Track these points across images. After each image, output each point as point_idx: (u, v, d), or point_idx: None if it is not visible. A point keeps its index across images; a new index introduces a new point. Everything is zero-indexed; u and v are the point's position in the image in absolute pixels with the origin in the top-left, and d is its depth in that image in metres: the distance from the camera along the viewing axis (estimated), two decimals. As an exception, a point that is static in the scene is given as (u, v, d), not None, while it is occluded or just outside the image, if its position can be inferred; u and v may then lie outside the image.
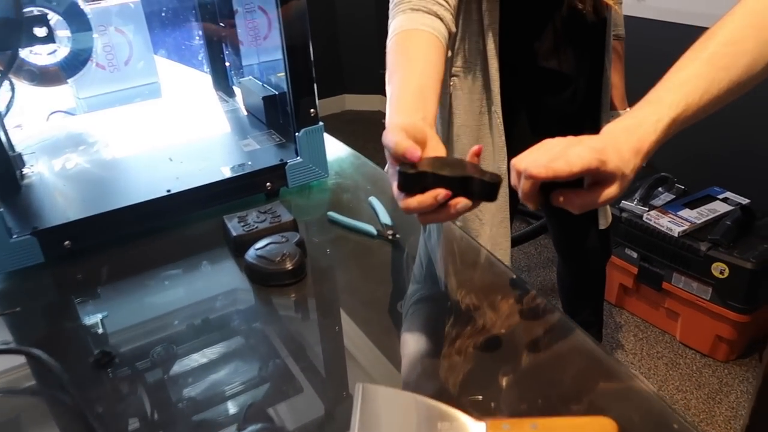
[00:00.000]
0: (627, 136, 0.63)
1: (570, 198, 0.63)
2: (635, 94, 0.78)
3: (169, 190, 0.96)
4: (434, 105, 0.75)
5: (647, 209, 1.88)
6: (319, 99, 1.01)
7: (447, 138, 1.14)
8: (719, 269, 1.69)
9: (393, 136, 0.62)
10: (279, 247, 0.85)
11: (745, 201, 1.87)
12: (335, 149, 1.25)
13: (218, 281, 0.86)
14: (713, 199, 1.90)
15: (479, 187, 0.61)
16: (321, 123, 1.04)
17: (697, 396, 1.70)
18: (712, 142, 2.06)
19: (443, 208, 0.62)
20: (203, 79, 1.51)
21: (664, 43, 1.94)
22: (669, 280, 1.82)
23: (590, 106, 1.19)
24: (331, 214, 0.98)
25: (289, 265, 0.82)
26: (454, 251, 0.91)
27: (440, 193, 0.60)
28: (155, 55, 1.85)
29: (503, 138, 1.09)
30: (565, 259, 1.51)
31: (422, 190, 0.61)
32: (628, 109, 1.38)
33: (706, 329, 1.79)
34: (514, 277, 0.84)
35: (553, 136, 1.16)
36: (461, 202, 0.61)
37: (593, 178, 0.62)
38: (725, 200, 1.88)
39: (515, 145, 1.12)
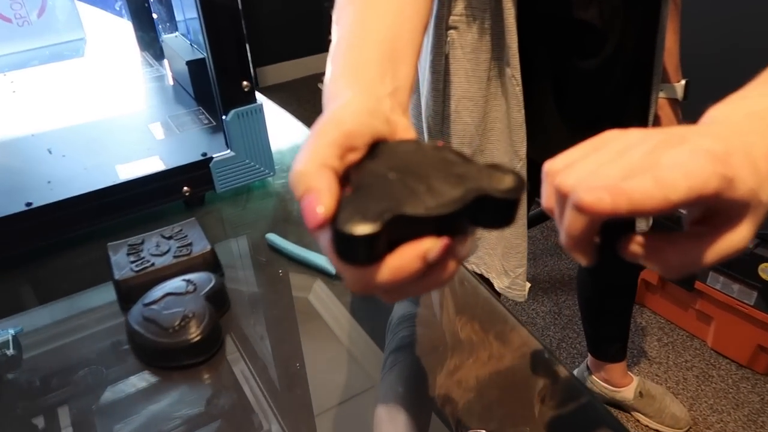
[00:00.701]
0: (762, 131, 0.33)
1: (659, 250, 0.33)
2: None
3: (29, 204, 0.65)
4: (409, 71, 0.43)
5: (679, 194, 1.58)
6: (296, 58, 0.68)
7: (441, 117, 0.82)
8: (768, 270, 1.40)
9: (302, 167, 0.31)
10: (179, 302, 0.54)
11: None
12: (290, 133, 0.93)
13: (87, 351, 0.56)
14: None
15: (487, 209, 0.30)
16: (259, 102, 0.72)
17: (735, 418, 1.44)
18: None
19: (434, 269, 0.31)
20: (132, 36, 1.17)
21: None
22: (704, 279, 1.53)
23: (637, 75, 0.87)
24: (272, 237, 0.67)
25: (192, 335, 0.52)
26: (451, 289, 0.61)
27: (431, 248, 0.29)
28: (86, 4, 1.50)
29: (522, 112, 0.77)
30: (589, 268, 1.22)
31: (389, 246, 0.30)
32: (682, 81, 1.05)
33: (746, 337, 1.52)
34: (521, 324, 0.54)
35: (584, 115, 0.86)
36: (461, 245, 0.31)
37: (705, 211, 0.32)
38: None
39: (532, 129, 0.80)
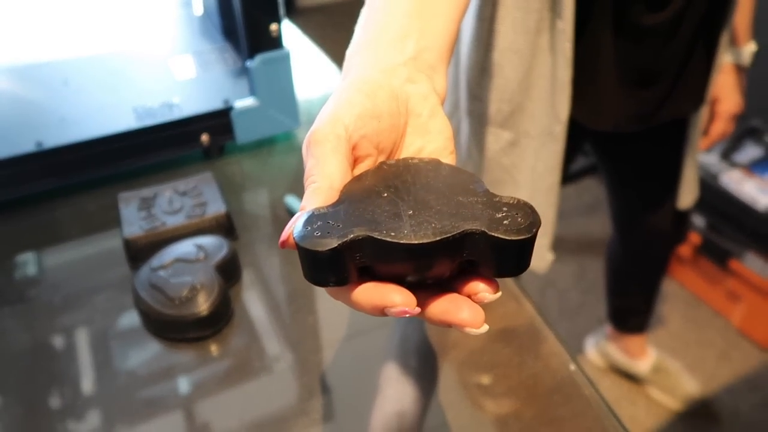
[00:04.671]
0: None
1: None
2: None
3: (39, 144, 0.61)
4: (444, 25, 0.38)
5: (728, 167, 1.49)
6: None
7: (480, 69, 0.75)
8: (812, 258, 1.33)
9: (316, 152, 0.29)
10: (188, 270, 0.51)
11: None
12: (321, 78, 0.87)
13: (94, 309, 0.54)
14: (813, 159, 1.49)
15: (486, 250, 0.26)
16: (286, 49, 0.66)
17: (749, 401, 1.42)
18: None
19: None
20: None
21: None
22: (740, 258, 1.47)
23: (703, 33, 0.78)
24: (291, 201, 0.63)
25: (199, 309, 0.49)
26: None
27: (393, 303, 0.26)
28: None
29: (570, 70, 0.70)
30: (623, 236, 1.16)
31: (364, 269, 0.27)
32: (752, 44, 0.95)
33: (774, 321, 1.47)
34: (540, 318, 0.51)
35: (641, 75, 0.78)
36: (453, 304, 0.27)
37: None
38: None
39: (581, 87, 0.73)
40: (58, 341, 0.51)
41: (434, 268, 0.26)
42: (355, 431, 0.45)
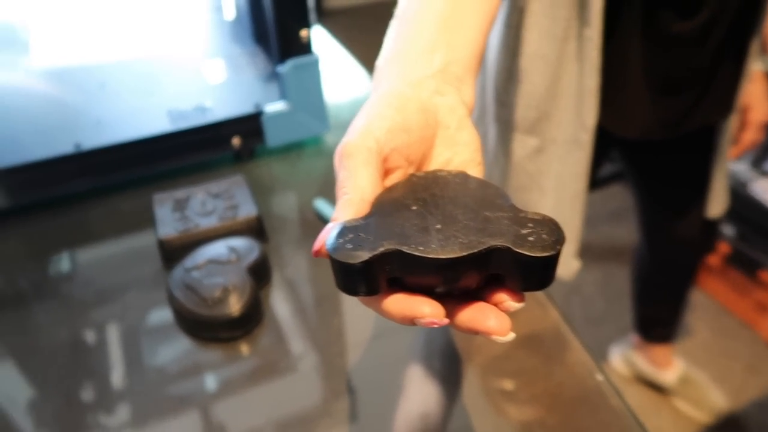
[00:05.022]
0: None
1: None
2: None
3: (78, 145, 0.63)
4: (472, 36, 0.39)
5: (758, 175, 1.46)
6: None
7: (508, 75, 0.76)
8: None
9: (348, 164, 0.30)
10: (220, 271, 0.53)
11: None
12: (350, 82, 0.88)
13: (128, 305, 0.55)
14: None
15: (511, 266, 0.27)
16: (316, 54, 0.67)
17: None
18: None
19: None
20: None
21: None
22: (770, 269, 1.44)
23: (734, 41, 0.77)
24: (320, 205, 0.64)
25: (231, 309, 0.50)
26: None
27: (422, 313, 0.27)
28: None
29: (597, 78, 0.70)
30: (650, 244, 1.14)
31: (395, 281, 0.28)
32: (782, 54, 0.94)
33: (805, 334, 1.44)
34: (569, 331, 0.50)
35: (669, 82, 0.77)
36: (480, 313, 0.27)
37: None
38: None
39: (608, 95, 0.73)
40: (93, 337, 0.53)
41: (461, 281, 0.27)
42: (381, 433, 0.45)
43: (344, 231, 0.27)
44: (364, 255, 0.26)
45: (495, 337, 0.26)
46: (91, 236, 0.63)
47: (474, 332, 0.27)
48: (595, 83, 0.70)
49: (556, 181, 0.78)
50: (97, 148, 0.62)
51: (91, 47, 0.81)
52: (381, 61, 0.38)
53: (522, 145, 0.78)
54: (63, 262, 0.60)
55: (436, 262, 0.26)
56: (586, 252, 1.80)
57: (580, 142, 0.74)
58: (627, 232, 1.86)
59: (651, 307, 1.29)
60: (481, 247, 0.26)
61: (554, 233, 0.27)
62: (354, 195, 0.29)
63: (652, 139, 0.85)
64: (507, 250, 0.26)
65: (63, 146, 0.62)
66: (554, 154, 0.77)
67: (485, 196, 0.30)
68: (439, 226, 0.28)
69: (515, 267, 0.26)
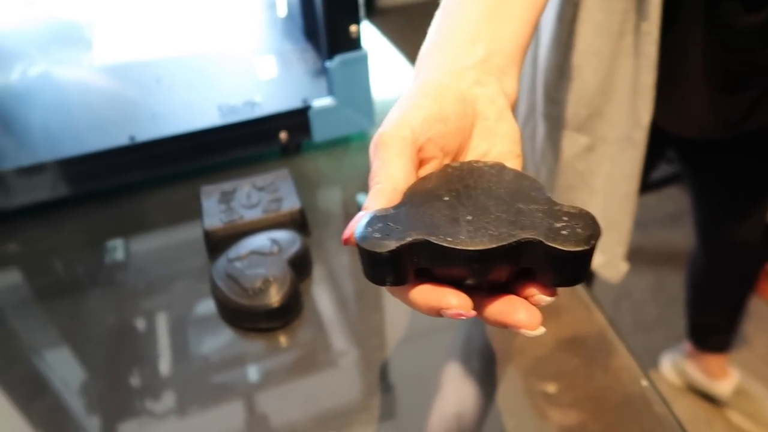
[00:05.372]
0: None
1: None
2: None
3: (132, 138, 0.65)
4: (516, 28, 0.38)
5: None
6: None
7: (559, 71, 0.74)
8: None
9: (382, 154, 0.30)
10: (262, 262, 0.54)
11: None
12: (397, 78, 0.88)
13: (175, 295, 0.57)
14: None
15: (543, 260, 0.26)
16: (365, 50, 0.67)
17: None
18: None
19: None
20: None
21: None
22: (839, 279, 1.36)
23: None
24: (364, 198, 0.64)
25: (271, 300, 0.51)
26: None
27: (448, 304, 0.26)
28: None
29: (654, 74, 0.67)
30: (707, 249, 1.10)
31: (423, 271, 0.28)
32: None
33: None
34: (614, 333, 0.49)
35: (732, 79, 0.73)
36: (510, 305, 0.27)
37: None
38: None
39: (665, 91, 0.70)
40: (140, 323, 0.55)
41: (490, 274, 0.26)
42: (415, 429, 0.45)
43: (373, 220, 0.27)
44: (391, 244, 0.26)
45: (524, 331, 0.26)
46: (142, 226, 0.65)
47: (503, 325, 0.26)
48: (651, 79, 0.68)
49: (607, 181, 0.76)
50: (150, 141, 0.64)
51: (148, 43, 0.84)
52: (423, 51, 0.38)
53: (572, 143, 0.76)
54: (116, 251, 0.62)
55: (464, 254, 0.25)
56: (638, 256, 1.75)
57: (633, 140, 0.72)
58: (682, 237, 1.79)
59: (706, 314, 1.24)
60: (512, 240, 0.25)
61: (590, 227, 0.26)
62: (386, 184, 0.29)
63: (711, 138, 0.82)
64: (539, 244, 0.25)
65: (119, 138, 0.65)
66: (605, 153, 0.74)
67: (520, 188, 0.29)
68: (470, 218, 0.27)
69: (547, 261, 0.26)
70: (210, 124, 0.67)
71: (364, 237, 0.27)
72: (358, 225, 0.27)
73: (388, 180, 0.29)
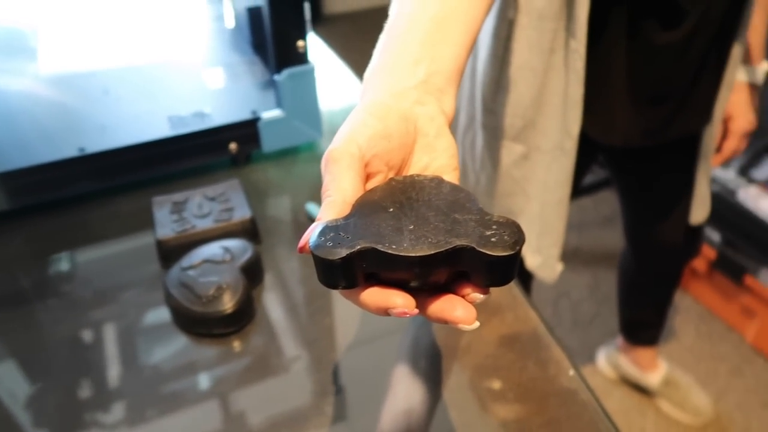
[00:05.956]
0: None
1: None
2: None
3: (82, 149, 0.66)
4: (454, 51, 0.42)
5: (746, 183, 1.49)
6: None
7: (496, 85, 0.79)
8: (827, 276, 1.33)
9: (332, 169, 0.33)
10: (215, 270, 0.56)
11: None
12: (344, 89, 0.91)
13: (128, 304, 0.58)
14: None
15: (476, 264, 0.29)
16: (312, 64, 0.70)
17: (761, 418, 1.42)
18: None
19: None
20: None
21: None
22: (755, 274, 1.47)
23: (715, 52, 0.80)
24: (312, 207, 0.67)
25: (225, 306, 0.53)
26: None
27: (395, 304, 0.30)
28: None
29: (582, 88, 0.73)
30: (635, 249, 1.18)
31: (371, 276, 0.31)
32: (765, 63, 0.97)
33: (789, 338, 1.47)
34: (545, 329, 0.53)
35: (653, 92, 0.80)
36: (449, 303, 0.31)
37: None
38: None
39: (593, 104, 0.76)
40: (92, 334, 0.55)
41: (431, 277, 0.30)
42: (367, 429, 0.48)
43: (326, 230, 0.30)
44: (342, 252, 0.29)
45: (461, 326, 0.29)
46: (92, 237, 0.66)
47: (444, 321, 0.30)
48: (579, 93, 0.73)
49: (541, 188, 0.81)
50: (101, 152, 0.65)
51: (95, 54, 0.84)
52: (368, 73, 0.41)
53: (508, 152, 0.81)
54: (65, 262, 0.63)
55: (407, 260, 0.29)
56: (576, 256, 1.84)
57: (564, 149, 0.77)
58: (617, 237, 1.89)
59: (636, 310, 1.32)
60: (448, 246, 0.29)
61: (515, 235, 0.29)
62: (337, 197, 0.32)
63: (634, 146, 0.88)
64: (471, 250, 0.29)
65: (67, 150, 0.65)
66: (539, 161, 0.80)
67: (456, 200, 0.33)
68: (411, 227, 0.30)
69: (479, 264, 0.29)
70: (160, 135, 0.68)
71: (318, 246, 0.29)
72: (311, 235, 0.30)
73: (338, 193, 0.32)
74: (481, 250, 0.29)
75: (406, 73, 0.39)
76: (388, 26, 0.43)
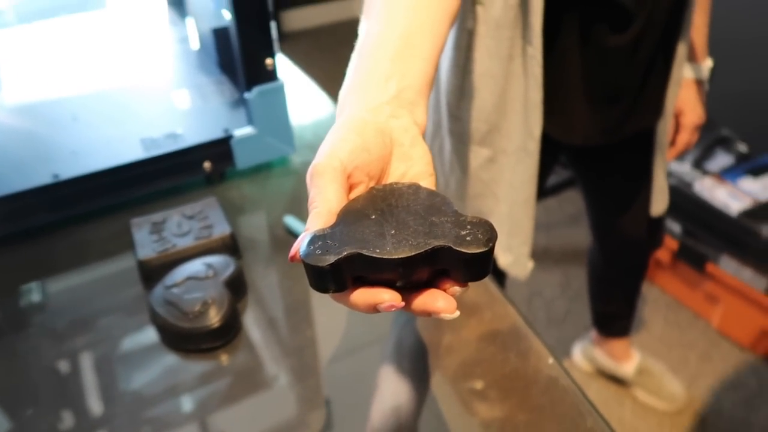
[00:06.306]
0: None
1: None
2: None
3: (56, 176, 0.66)
4: (422, 66, 0.45)
5: (701, 174, 1.56)
6: (320, 2, 0.68)
7: (460, 93, 0.82)
8: (782, 259, 1.40)
9: (317, 182, 0.36)
10: (199, 287, 0.56)
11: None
12: (312, 104, 0.93)
13: (112, 327, 0.59)
14: (781, 164, 1.57)
15: (453, 262, 0.32)
16: (281, 81, 0.72)
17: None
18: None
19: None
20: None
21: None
22: (716, 261, 1.54)
23: (662, 52, 0.85)
24: (289, 221, 0.68)
25: (211, 321, 0.54)
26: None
27: (383, 300, 0.32)
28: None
29: (540, 92, 0.76)
30: (601, 243, 1.22)
31: (359, 279, 0.33)
32: (708, 60, 1.03)
33: (751, 322, 1.53)
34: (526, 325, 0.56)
35: (607, 92, 0.84)
36: (431, 298, 0.33)
37: None
38: (796, 168, 1.56)
39: (553, 105, 0.80)
40: (79, 359, 0.56)
41: (413, 276, 0.32)
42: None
43: (314, 239, 0.32)
44: (330, 258, 0.31)
45: (444, 315, 0.32)
46: (71, 263, 0.66)
47: (427, 313, 0.32)
48: (539, 97, 0.76)
49: (508, 188, 0.84)
50: (74, 178, 0.66)
51: (60, 81, 0.84)
52: (343, 92, 0.43)
53: (475, 156, 0.84)
54: (40, 291, 0.63)
55: (391, 262, 0.31)
56: (546, 255, 1.89)
57: (528, 151, 0.80)
58: (584, 235, 1.95)
59: (607, 303, 1.36)
60: (427, 248, 0.31)
61: (488, 233, 0.32)
62: (322, 208, 0.34)
63: (593, 144, 0.92)
64: (449, 249, 0.31)
65: (41, 177, 0.65)
66: (505, 164, 0.83)
67: (433, 204, 0.35)
68: (393, 232, 0.33)
69: (456, 262, 0.31)
70: (134, 157, 0.69)
71: (307, 254, 0.31)
72: (301, 244, 0.32)
73: (323, 204, 0.34)
74: (457, 248, 0.31)
75: (379, 89, 0.42)
76: (359, 45, 0.46)
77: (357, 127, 0.38)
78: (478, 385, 0.52)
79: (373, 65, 0.43)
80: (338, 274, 0.31)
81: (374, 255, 0.31)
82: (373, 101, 0.41)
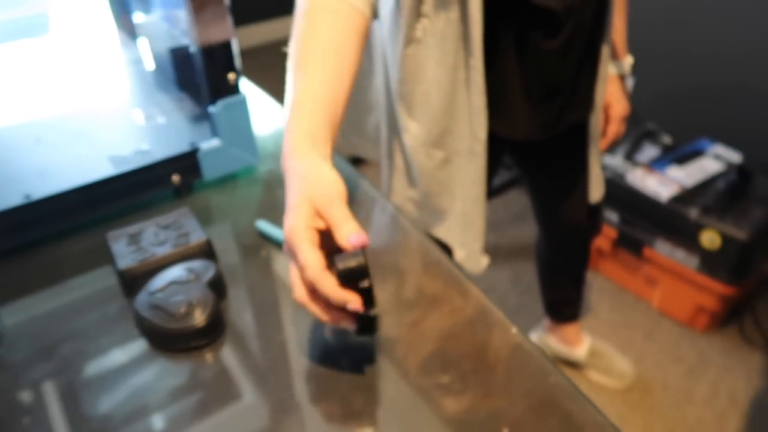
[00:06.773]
0: None
1: None
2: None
3: (28, 196, 0.68)
4: (342, 110, 0.65)
5: (632, 166, 1.68)
6: (257, 21, 0.72)
7: (412, 97, 0.87)
8: (709, 238, 1.52)
9: (298, 246, 0.51)
10: (184, 289, 0.59)
11: (736, 155, 1.69)
12: (269, 116, 0.97)
13: (96, 333, 0.61)
14: (703, 154, 1.71)
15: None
16: (243, 94, 0.75)
17: (675, 372, 1.59)
18: (699, 86, 1.85)
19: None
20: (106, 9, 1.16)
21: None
22: (651, 245, 1.65)
23: (589, 52, 0.94)
24: (262, 224, 0.72)
25: (198, 321, 0.57)
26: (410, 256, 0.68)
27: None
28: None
29: (483, 98, 0.83)
30: (547, 233, 1.31)
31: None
32: (629, 57, 1.13)
33: (688, 299, 1.65)
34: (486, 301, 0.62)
35: (544, 91, 0.92)
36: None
37: None
38: (717, 157, 1.70)
39: (497, 106, 0.86)
40: (71, 373, 0.57)
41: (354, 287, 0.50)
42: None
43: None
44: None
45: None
46: (48, 280, 0.67)
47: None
48: (482, 102, 0.83)
49: (461, 187, 0.90)
50: (46, 197, 0.67)
51: (16, 107, 0.85)
52: (286, 151, 0.58)
53: (431, 158, 0.90)
54: (24, 310, 0.64)
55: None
56: (496, 253, 1.97)
57: (475, 152, 0.87)
58: (530, 232, 2.04)
59: (556, 290, 1.45)
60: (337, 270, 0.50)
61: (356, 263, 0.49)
62: (316, 269, 0.49)
63: (534, 139, 1.00)
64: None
65: (12, 198, 0.66)
66: (458, 164, 0.89)
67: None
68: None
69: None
70: (104, 175, 0.71)
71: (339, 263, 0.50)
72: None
73: (314, 266, 0.49)
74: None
75: (326, 146, 0.60)
76: (293, 101, 0.62)
77: (306, 198, 0.53)
78: (451, 357, 0.57)
79: (317, 126, 0.61)
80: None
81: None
82: (327, 155, 0.59)
